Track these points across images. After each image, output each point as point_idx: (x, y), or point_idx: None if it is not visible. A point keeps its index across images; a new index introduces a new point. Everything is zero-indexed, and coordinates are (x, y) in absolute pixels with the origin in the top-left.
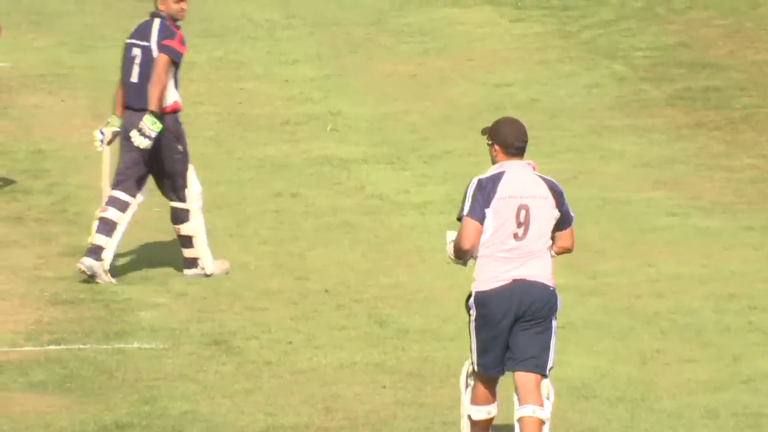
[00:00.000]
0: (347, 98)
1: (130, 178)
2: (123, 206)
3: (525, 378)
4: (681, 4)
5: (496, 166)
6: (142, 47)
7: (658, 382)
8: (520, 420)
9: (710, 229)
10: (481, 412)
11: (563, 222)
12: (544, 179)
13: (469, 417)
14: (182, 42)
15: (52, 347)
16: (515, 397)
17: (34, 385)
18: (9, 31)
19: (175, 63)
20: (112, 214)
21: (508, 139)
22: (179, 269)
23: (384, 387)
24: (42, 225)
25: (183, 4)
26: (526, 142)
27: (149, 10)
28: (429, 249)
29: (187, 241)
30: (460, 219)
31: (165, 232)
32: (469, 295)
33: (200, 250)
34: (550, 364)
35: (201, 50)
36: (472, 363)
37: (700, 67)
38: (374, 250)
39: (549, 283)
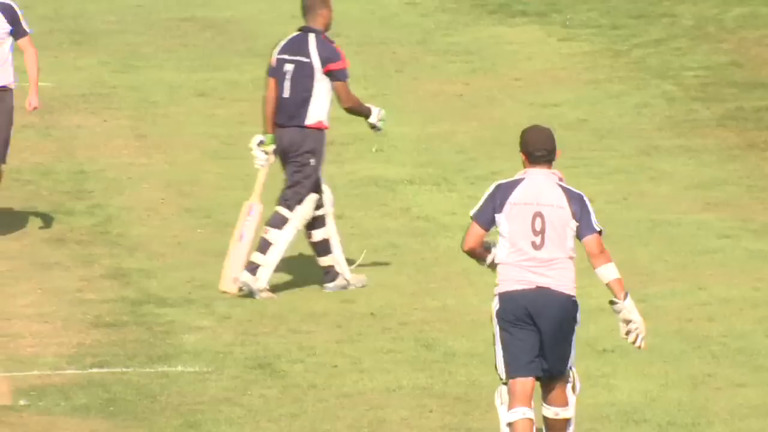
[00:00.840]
0: (393, 118)
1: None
2: (320, 223)
3: (550, 384)
4: (733, 23)
5: (520, 172)
6: (296, 62)
7: (709, 407)
8: (545, 419)
9: (762, 251)
10: (516, 413)
11: (583, 229)
12: (564, 189)
13: (508, 425)
14: (344, 58)
15: (94, 370)
16: (542, 397)
17: (77, 408)
18: (51, 51)
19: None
20: (318, 234)
21: (529, 146)
22: (222, 292)
23: (431, 411)
24: (84, 246)
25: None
26: (548, 150)
27: (192, 30)
28: (476, 271)
29: (265, 246)
30: (472, 218)
31: (209, 254)
32: (493, 301)
33: (268, 263)
34: (572, 362)
35: (245, 70)
36: (498, 373)
37: (752, 87)
38: (420, 273)
39: (571, 292)
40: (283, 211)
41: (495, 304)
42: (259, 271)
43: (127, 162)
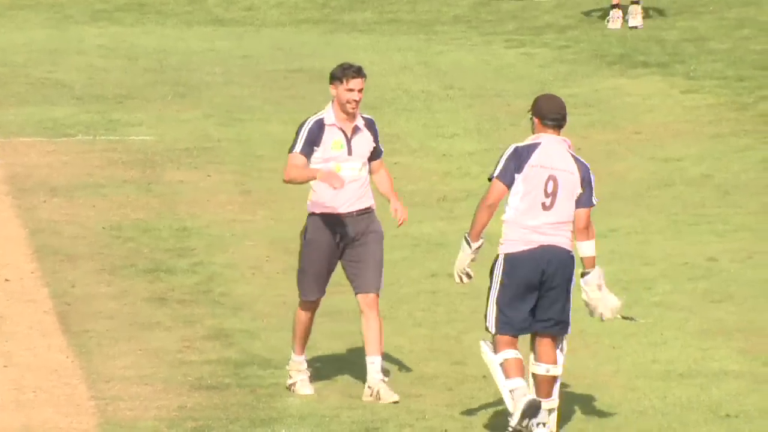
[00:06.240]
0: None
1: None
2: None
3: (542, 338)
4: None
5: (533, 136)
6: None
7: None
8: (534, 375)
9: None
10: (509, 353)
11: (582, 200)
12: (574, 157)
13: (501, 364)
14: None
15: None
16: (531, 353)
17: None
18: (154, 104)
19: None
20: None
21: (543, 110)
22: (329, 352)
23: None
24: (186, 306)
25: None
26: (561, 115)
27: (300, 81)
28: (593, 333)
29: None
30: (490, 179)
31: (315, 314)
32: (496, 258)
33: None
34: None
35: None
36: (489, 327)
37: None
38: None
39: (569, 248)
40: None
41: (499, 263)
42: None
43: (230, 218)
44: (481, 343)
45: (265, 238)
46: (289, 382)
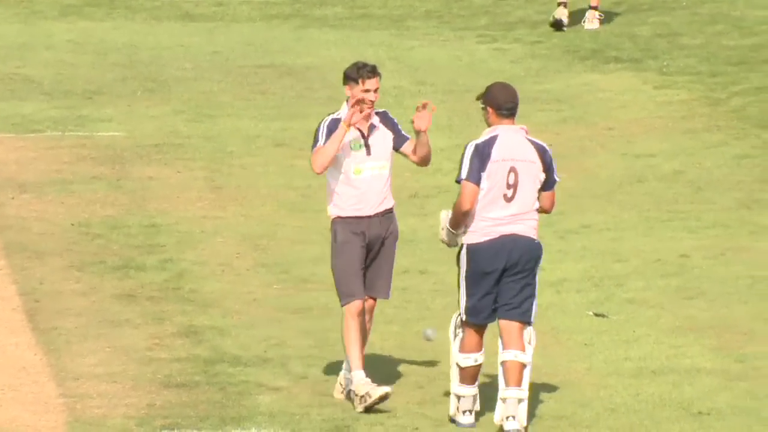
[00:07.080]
0: None
1: None
2: None
3: (509, 325)
4: None
5: (489, 129)
6: None
7: None
8: (503, 363)
9: None
10: (469, 359)
11: (547, 184)
12: (534, 143)
13: (458, 365)
14: None
15: None
16: (499, 342)
17: None
18: (123, 99)
19: None
20: None
21: (498, 100)
22: (299, 350)
23: None
24: (155, 303)
25: None
26: (515, 103)
27: (270, 77)
28: (565, 329)
29: None
30: (458, 182)
31: (285, 311)
32: (460, 249)
33: None
34: (534, 311)
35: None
36: (461, 314)
37: None
38: None
39: (534, 236)
40: None
41: (463, 253)
42: None
43: (200, 215)
44: (455, 319)
45: (235, 234)
46: (361, 394)
